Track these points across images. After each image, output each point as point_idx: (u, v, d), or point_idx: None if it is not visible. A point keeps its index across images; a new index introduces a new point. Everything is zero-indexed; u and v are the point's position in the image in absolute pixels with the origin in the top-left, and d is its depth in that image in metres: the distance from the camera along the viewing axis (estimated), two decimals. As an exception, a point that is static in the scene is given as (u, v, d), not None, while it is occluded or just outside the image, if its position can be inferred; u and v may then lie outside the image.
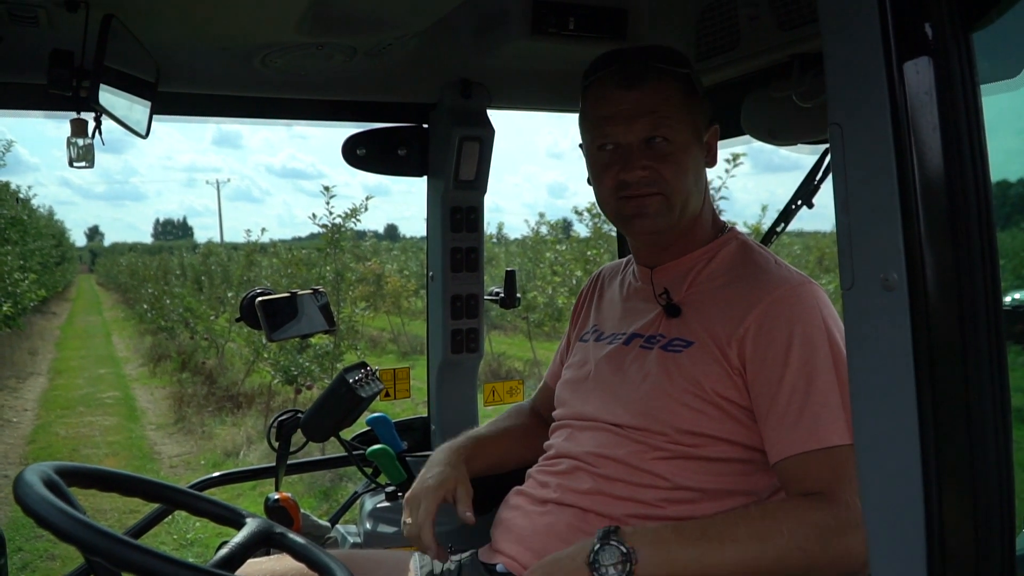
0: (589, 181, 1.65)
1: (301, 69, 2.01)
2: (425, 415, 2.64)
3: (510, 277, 2.70)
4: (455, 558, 1.64)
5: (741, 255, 1.61)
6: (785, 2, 1.71)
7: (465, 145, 2.36)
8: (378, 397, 2.23)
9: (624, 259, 1.85)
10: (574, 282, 12.55)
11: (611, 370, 1.63)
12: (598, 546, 1.32)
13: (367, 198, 9.91)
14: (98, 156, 1.77)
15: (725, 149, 2.15)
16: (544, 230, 15.49)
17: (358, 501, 2.40)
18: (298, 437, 2.23)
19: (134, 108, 1.73)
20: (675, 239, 1.63)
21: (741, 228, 1.71)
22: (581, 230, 14.13)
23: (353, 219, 9.88)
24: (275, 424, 2.24)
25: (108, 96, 1.54)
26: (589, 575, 1.31)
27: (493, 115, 2.41)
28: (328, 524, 2.26)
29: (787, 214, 2.17)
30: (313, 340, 8.77)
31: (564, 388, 1.74)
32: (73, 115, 1.73)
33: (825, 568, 1.29)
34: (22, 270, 17.13)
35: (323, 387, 2.63)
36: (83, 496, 1.28)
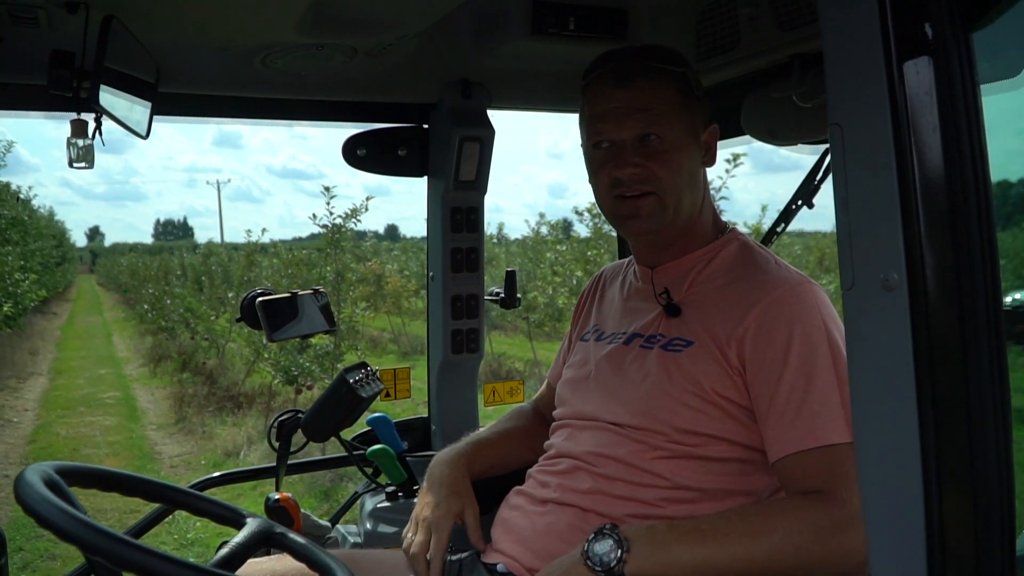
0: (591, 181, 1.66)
1: (301, 69, 2.01)
2: (425, 415, 2.64)
3: (510, 277, 2.70)
4: (455, 558, 1.64)
5: (741, 255, 1.61)
6: (785, 2, 1.71)
7: (465, 145, 2.36)
8: (378, 397, 2.23)
9: (626, 259, 1.85)
10: (574, 282, 12.55)
11: (611, 370, 1.63)
12: (592, 537, 1.33)
13: (367, 198, 9.91)
14: (98, 156, 1.77)
15: (725, 149, 2.15)
16: (544, 230, 15.49)
17: (358, 501, 2.40)
18: (298, 437, 2.23)
19: (134, 109, 1.73)
20: (674, 239, 1.63)
21: (741, 228, 1.71)
22: (581, 230, 14.14)
23: (353, 219, 9.87)
24: (275, 424, 2.24)
25: (108, 97, 1.54)
26: (584, 566, 1.31)
27: (493, 115, 2.41)
28: (328, 524, 2.26)
29: (787, 214, 2.17)
30: (313, 340, 8.77)
31: (565, 387, 1.75)
32: (73, 116, 1.73)
33: (822, 566, 1.29)
34: (23, 270, 17.13)
35: (323, 387, 2.64)
36: (83, 496, 1.28)
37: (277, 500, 2.00)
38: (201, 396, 11.79)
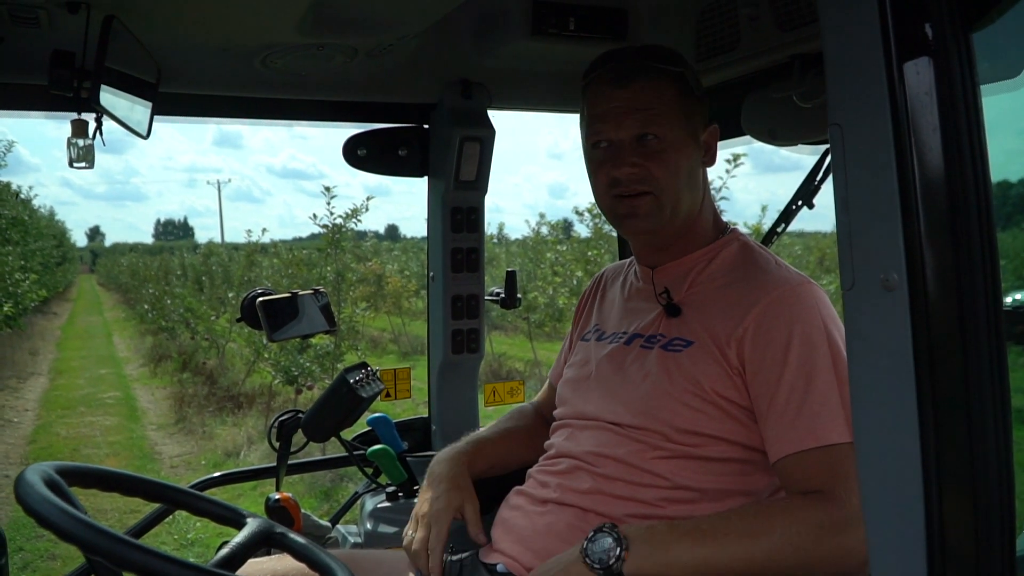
0: None
1: (302, 70, 2.01)
2: (426, 415, 2.64)
3: (511, 277, 2.70)
4: (455, 558, 1.64)
5: (742, 256, 1.61)
6: (785, 3, 1.71)
7: (466, 145, 2.36)
8: (379, 397, 2.23)
9: (627, 260, 1.85)
10: (575, 282, 12.55)
11: (612, 369, 1.63)
12: (591, 535, 1.33)
13: (368, 198, 9.91)
14: (99, 157, 1.77)
15: (725, 149, 2.15)
16: (545, 230, 15.49)
17: (359, 501, 2.40)
18: (299, 437, 2.23)
19: (135, 109, 1.73)
20: (673, 239, 1.63)
21: (741, 228, 1.71)
22: (582, 230, 14.14)
23: (354, 219, 9.87)
24: (276, 424, 2.24)
25: (109, 97, 1.54)
26: (583, 564, 1.31)
27: (493, 115, 2.41)
28: (329, 524, 2.26)
29: (787, 214, 2.17)
30: (314, 340, 8.77)
31: (565, 387, 1.75)
32: (74, 116, 1.73)
33: (822, 566, 1.29)
34: (23, 270, 17.13)
35: (324, 387, 2.64)
36: (84, 496, 1.28)
37: (277, 500, 2.00)
38: (201, 396, 11.79)
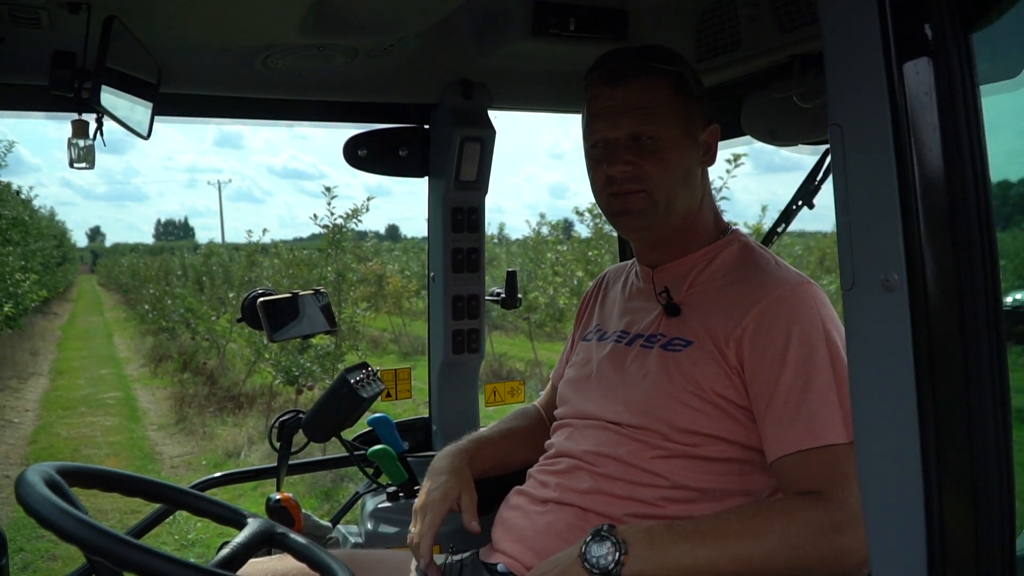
0: None
1: (302, 70, 2.01)
2: (426, 415, 2.64)
3: (511, 278, 2.70)
4: (456, 558, 1.64)
5: (742, 256, 1.61)
6: (786, 3, 1.71)
7: (466, 146, 2.36)
8: (379, 397, 2.23)
9: (629, 261, 1.86)
10: (575, 283, 12.55)
11: (612, 369, 1.63)
12: (589, 538, 1.33)
13: (368, 199, 9.92)
14: (99, 157, 1.77)
15: (726, 150, 2.15)
16: (545, 231, 15.48)
17: (359, 501, 2.40)
18: (299, 437, 2.22)
19: (135, 109, 1.74)
20: (672, 238, 1.63)
21: (742, 228, 1.71)
22: (582, 231, 14.13)
23: (354, 219, 9.89)
24: (276, 424, 2.24)
25: (110, 97, 1.54)
26: (582, 568, 1.31)
27: (494, 115, 2.42)
28: (329, 524, 2.26)
29: (788, 215, 2.17)
30: (314, 341, 8.77)
31: (566, 387, 1.75)
32: (74, 116, 1.73)
33: (820, 566, 1.29)
34: (23, 271, 17.14)
35: (324, 388, 2.64)
36: (84, 496, 1.28)
37: (278, 500, 2.00)
38: (202, 396, 11.79)
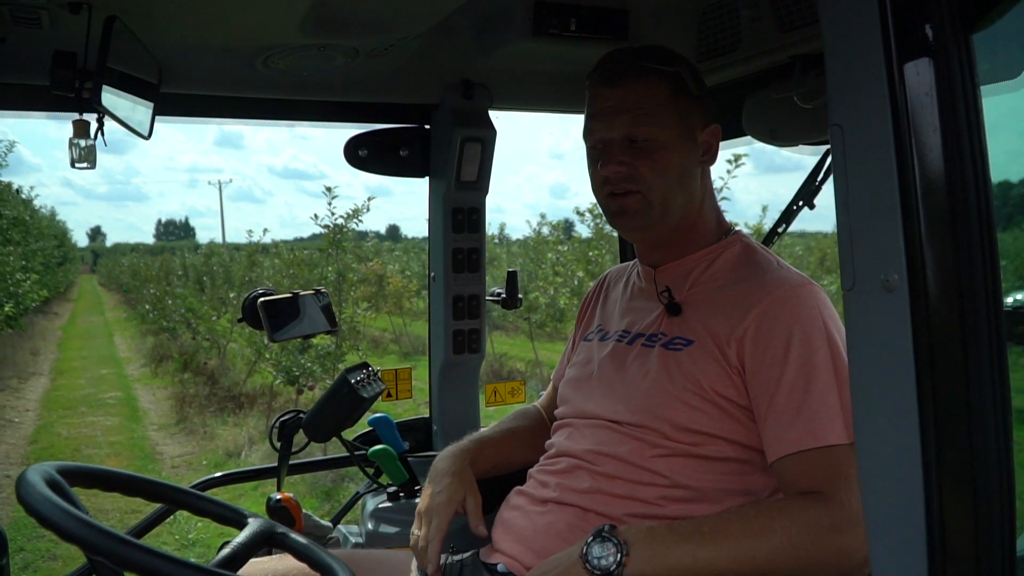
0: None
1: (303, 70, 2.01)
2: (427, 415, 2.65)
3: (512, 278, 2.70)
4: (456, 558, 1.64)
5: (744, 257, 1.61)
6: (786, 3, 1.71)
7: (467, 146, 2.36)
8: (380, 397, 2.23)
9: (630, 262, 1.86)
10: (576, 283, 12.54)
11: (614, 368, 1.63)
12: (590, 539, 1.33)
13: (369, 199, 9.93)
14: (100, 157, 1.77)
15: (727, 150, 2.15)
16: (546, 231, 15.47)
17: (360, 501, 2.40)
18: (300, 437, 2.23)
19: (136, 109, 1.74)
20: (672, 238, 1.63)
21: (742, 228, 1.71)
22: (583, 231, 14.13)
23: (355, 220, 9.89)
24: (277, 424, 2.24)
25: (110, 97, 1.54)
26: (583, 568, 1.31)
27: (494, 116, 2.42)
28: (330, 524, 2.26)
29: (788, 215, 2.17)
30: (315, 341, 8.78)
31: (567, 386, 1.75)
32: (75, 116, 1.73)
33: (820, 566, 1.29)
34: (24, 270, 17.15)
35: (325, 388, 2.64)
36: (85, 496, 1.28)
37: (279, 500, 2.00)
38: (202, 396, 11.80)
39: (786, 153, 2.33)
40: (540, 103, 2.56)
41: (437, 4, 1.65)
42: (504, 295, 2.67)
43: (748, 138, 2.10)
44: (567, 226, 15.64)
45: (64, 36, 1.58)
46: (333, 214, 9.70)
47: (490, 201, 2.52)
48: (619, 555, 1.30)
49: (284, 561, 1.64)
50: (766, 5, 1.76)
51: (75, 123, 1.73)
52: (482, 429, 1.91)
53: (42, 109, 1.97)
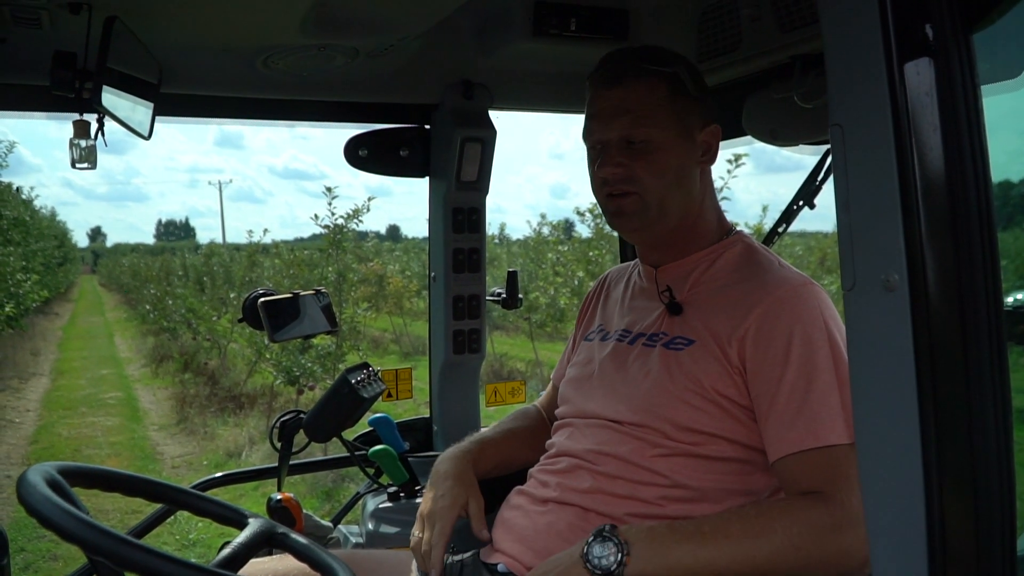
0: None
1: (303, 70, 2.01)
2: (427, 416, 2.65)
3: (512, 278, 2.70)
4: (456, 558, 1.64)
5: (745, 257, 1.61)
6: (786, 3, 1.71)
7: (467, 146, 2.36)
8: (380, 398, 2.23)
9: (631, 262, 1.86)
10: (576, 283, 12.55)
11: (614, 367, 1.63)
12: (591, 538, 1.33)
13: (369, 199, 9.94)
14: (100, 157, 1.77)
15: (727, 150, 2.15)
16: (546, 231, 15.48)
17: (360, 501, 2.40)
18: (300, 438, 2.23)
19: (136, 109, 1.74)
20: (672, 239, 1.63)
21: (743, 228, 1.71)
22: (583, 231, 14.13)
23: (355, 220, 9.90)
24: (277, 424, 2.24)
25: (111, 98, 1.54)
26: (583, 568, 1.31)
27: (495, 116, 2.42)
28: (330, 524, 2.26)
29: (789, 215, 2.17)
30: (315, 341, 8.78)
31: (568, 386, 1.75)
32: (76, 116, 1.73)
33: (821, 566, 1.29)
34: (25, 271, 17.15)
35: (325, 388, 2.64)
36: (85, 496, 1.28)
37: (279, 500, 2.00)
38: (203, 397, 11.80)
39: (786, 153, 2.33)
40: (540, 103, 2.56)
41: (437, 4, 1.65)
42: (504, 295, 2.67)
43: (748, 138, 2.10)
44: (567, 226, 15.65)
45: (64, 36, 1.58)
46: (333, 214, 9.72)
47: (490, 201, 2.52)
48: (620, 555, 1.30)
49: (285, 561, 1.64)
50: (766, 5, 1.76)
51: (75, 123, 1.73)
52: (483, 430, 1.91)
53: (42, 109, 1.97)
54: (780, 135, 1.98)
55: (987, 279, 0.90)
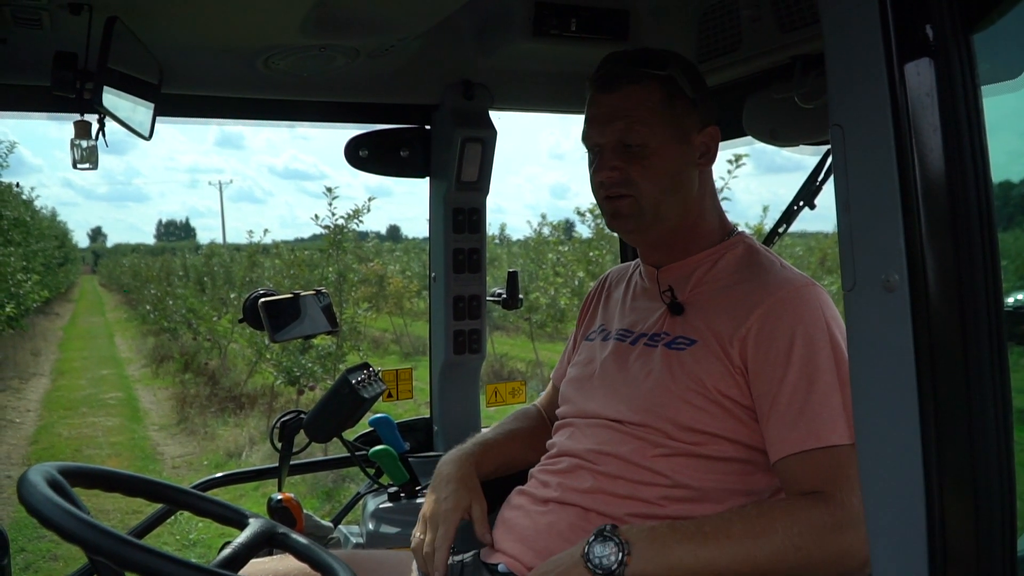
0: None
1: (304, 71, 2.01)
2: (428, 416, 2.65)
3: (512, 278, 2.70)
4: (456, 558, 1.64)
5: (747, 258, 1.61)
6: (786, 3, 1.71)
7: (467, 146, 2.37)
8: (380, 398, 2.23)
9: (632, 263, 1.86)
10: (576, 283, 12.55)
11: (616, 367, 1.63)
12: (592, 538, 1.33)
13: (369, 199, 9.94)
14: (101, 157, 1.77)
15: (727, 150, 2.15)
16: (546, 231, 15.48)
17: (361, 502, 2.40)
18: (301, 438, 2.23)
19: (137, 110, 1.74)
20: (672, 240, 1.63)
21: (743, 229, 1.71)
22: (583, 231, 14.14)
23: (355, 220, 9.90)
24: (278, 425, 2.25)
25: (111, 98, 1.55)
26: (584, 568, 1.31)
27: (495, 116, 2.42)
28: (331, 524, 2.26)
29: (789, 215, 2.17)
30: (316, 341, 8.79)
31: (569, 386, 1.75)
32: (77, 117, 1.73)
33: (822, 566, 1.29)
34: (25, 271, 17.16)
35: (325, 388, 2.64)
36: (86, 496, 1.28)
37: (279, 500, 2.00)
38: (203, 397, 11.80)
39: (787, 153, 2.33)
40: (540, 103, 2.56)
41: (437, 4, 1.66)
42: (505, 295, 2.67)
43: (749, 138, 2.10)
44: (568, 226, 15.66)
45: (65, 37, 1.58)
46: (334, 214, 9.73)
47: (490, 201, 2.52)
48: (620, 555, 1.30)
49: (285, 561, 1.64)
50: (766, 5, 1.76)
51: (76, 124, 1.73)
52: (484, 431, 1.91)
53: (43, 110, 1.97)
54: (780, 135, 1.98)
55: (987, 279, 0.90)
